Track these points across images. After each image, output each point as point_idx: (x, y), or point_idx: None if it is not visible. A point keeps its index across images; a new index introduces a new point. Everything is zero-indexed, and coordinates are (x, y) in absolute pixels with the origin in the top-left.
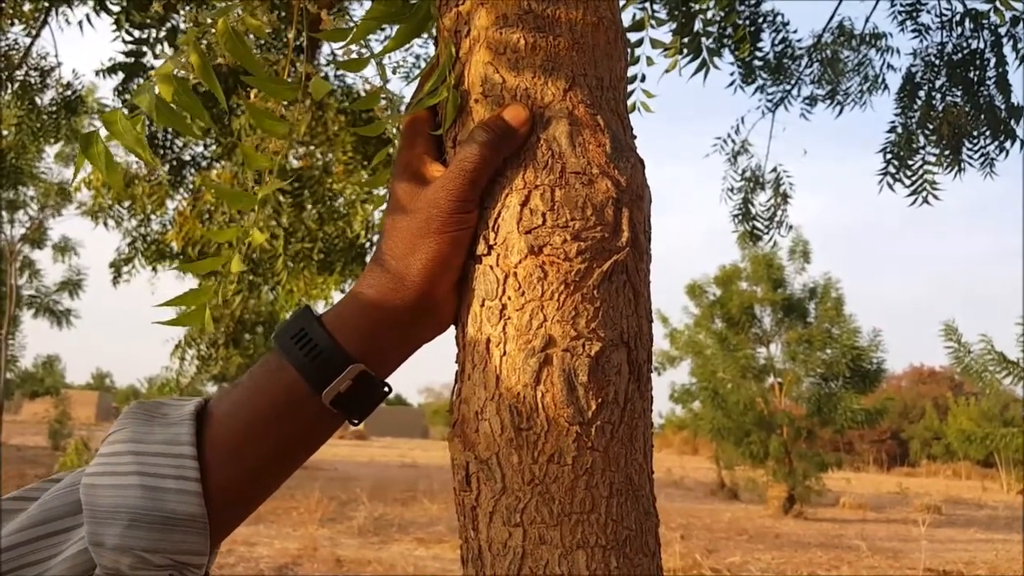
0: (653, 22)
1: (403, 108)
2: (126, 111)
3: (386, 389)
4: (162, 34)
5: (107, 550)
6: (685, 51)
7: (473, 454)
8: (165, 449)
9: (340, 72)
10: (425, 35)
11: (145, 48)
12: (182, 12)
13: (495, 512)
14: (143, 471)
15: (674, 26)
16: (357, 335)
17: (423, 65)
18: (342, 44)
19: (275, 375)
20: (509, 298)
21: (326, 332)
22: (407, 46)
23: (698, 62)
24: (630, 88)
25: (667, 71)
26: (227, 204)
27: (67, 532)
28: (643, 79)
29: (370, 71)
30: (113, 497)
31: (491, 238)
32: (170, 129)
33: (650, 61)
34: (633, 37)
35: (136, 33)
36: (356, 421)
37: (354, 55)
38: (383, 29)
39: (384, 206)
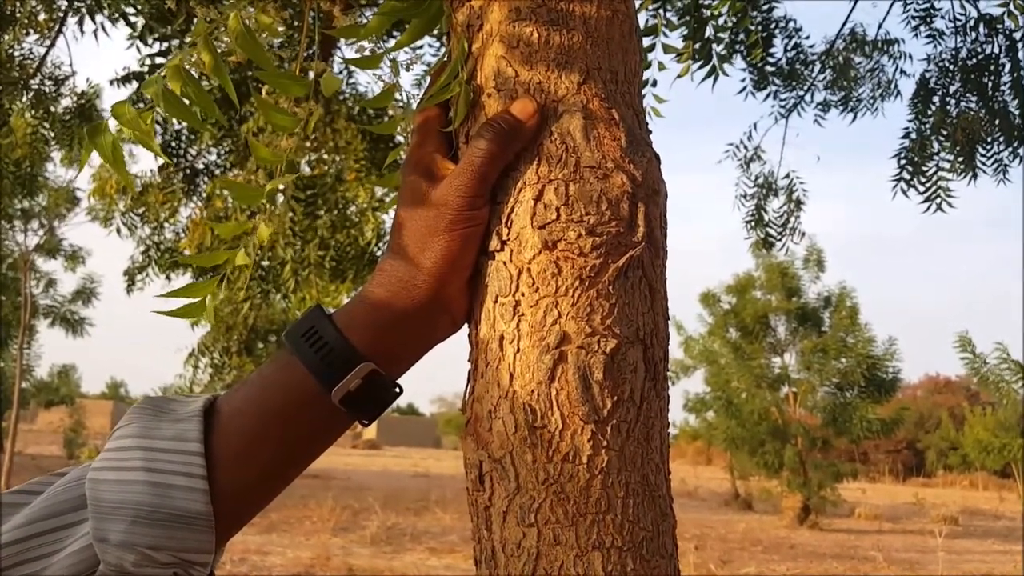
0: (665, 28)
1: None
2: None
3: (397, 390)
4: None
5: (111, 546)
6: (696, 56)
7: (486, 453)
8: (173, 446)
9: (352, 80)
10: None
11: (163, 60)
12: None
13: (509, 512)
14: (150, 467)
15: (685, 31)
16: (368, 334)
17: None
18: (353, 41)
19: (285, 373)
20: (523, 294)
21: (337, 330)
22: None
23: (708, 68)
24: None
25: (679, 76)
26: (236, 199)
27: (72, 527)
28: (654, 84)
29: (383, 70)
30: (119, 493)
31: (504, 233)
32: (183, 137)
33: (662, 66)
34: (645, 42)
35: (153, 43)
36: (366, 422)
37: (367, 53)
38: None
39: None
